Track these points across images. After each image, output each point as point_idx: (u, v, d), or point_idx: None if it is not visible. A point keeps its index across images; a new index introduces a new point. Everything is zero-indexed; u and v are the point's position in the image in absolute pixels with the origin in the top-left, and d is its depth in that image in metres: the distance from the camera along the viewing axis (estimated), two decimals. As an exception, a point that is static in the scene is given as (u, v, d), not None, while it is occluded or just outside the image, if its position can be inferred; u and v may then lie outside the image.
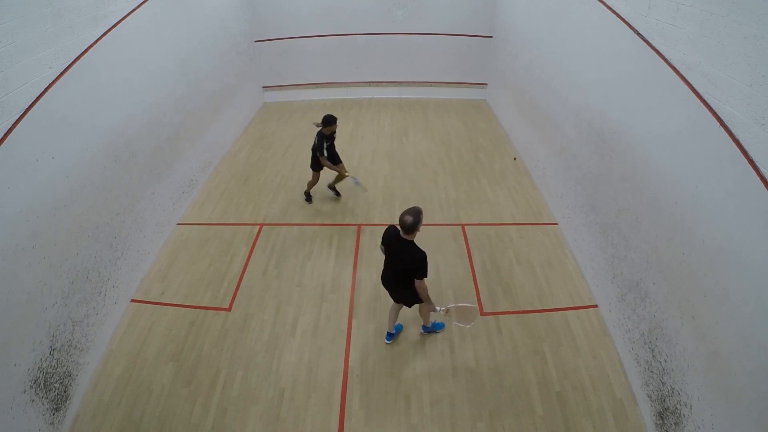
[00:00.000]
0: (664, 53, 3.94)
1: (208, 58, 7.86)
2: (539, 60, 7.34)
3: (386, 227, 4.31)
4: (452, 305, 4.43)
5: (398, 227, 4.08)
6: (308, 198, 7.16)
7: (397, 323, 4.89)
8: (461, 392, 4.34)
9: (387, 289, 4.56)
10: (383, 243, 4.33)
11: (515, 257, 5.94)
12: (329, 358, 4.67)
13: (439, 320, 4.96)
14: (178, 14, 6.74)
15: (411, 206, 4.08)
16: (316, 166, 6.75)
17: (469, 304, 4.49)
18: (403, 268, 4.14)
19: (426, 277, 4.08)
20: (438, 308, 4.31)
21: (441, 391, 4.36)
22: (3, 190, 3.50)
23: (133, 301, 5.36)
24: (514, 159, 5.11)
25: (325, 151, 6.43)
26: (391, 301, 4.66)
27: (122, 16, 5.25)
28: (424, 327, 4.91)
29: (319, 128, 6.43)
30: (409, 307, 4.62)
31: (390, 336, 4.83)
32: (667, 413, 3.74)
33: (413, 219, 3.94)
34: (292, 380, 4.47)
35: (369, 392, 4.36)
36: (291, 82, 11.07)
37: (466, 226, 6.55)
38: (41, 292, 3.90)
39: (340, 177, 6.89)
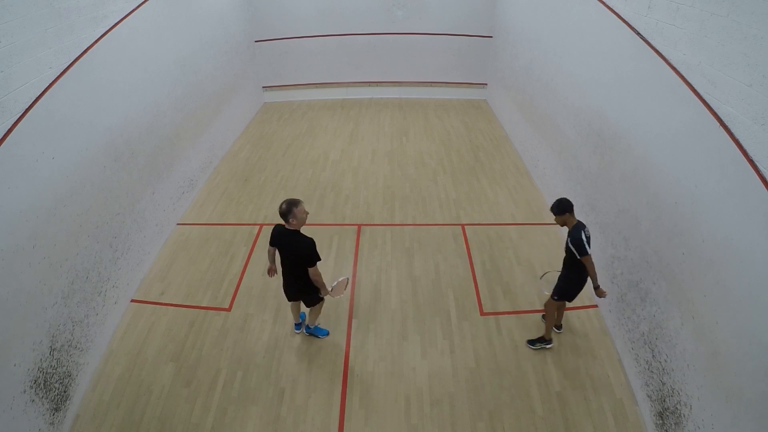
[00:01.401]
0: (664, 53, 3.94)
1: (208, 58, 7.86)
2: (539, 60, 7.34)
3: (272, 227, 4.36)
4: (334, 283, 4.53)
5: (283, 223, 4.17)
6: None
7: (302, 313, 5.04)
8: (461, 392, 4.34)
9: (286, 293, 4.57)
10: (272, 244, 4.35)
11: (515, 257, 5.94)
12: (329, 358, 4.67)
13: (324, 327, 4.97)
14: (178, 14, 6.74)
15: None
16: None
17: (342, 278, 4.61)
18: (296, 260, 4.17)
19: (319, 261, 4.16)
20: (330, 287, 4.42)
21: (441, 391, 4.36)
22: (3, 190, 3.50)
23: (133, 301, 5.35)
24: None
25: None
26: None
27: (122, 17, 5.25)
28: (308, 328, 4.93)
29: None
30: (307, 306, 4.67)
31: (298, 326, 4.96)
32: (667, 413, 3.74)
33: (286, 206, 4.04)
34: (292, 380, 4.47)
35: (369, 392, 4.36)
36: (291, 82, 11.07)
37: (466, 226, 6.55)
38: (41, 292, 3.90)
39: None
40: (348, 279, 4.79)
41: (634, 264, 4.41)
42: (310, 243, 4.08)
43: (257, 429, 4.06)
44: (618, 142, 4.72)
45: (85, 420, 4.14)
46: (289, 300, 4.66)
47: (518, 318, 5.09)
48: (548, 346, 4.70)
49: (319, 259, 4.16)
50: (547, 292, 4.57)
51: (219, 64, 8.37)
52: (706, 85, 3.39)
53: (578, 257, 4.09)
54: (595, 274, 4.16)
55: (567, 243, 4.19)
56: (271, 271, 4.62)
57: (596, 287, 4.23)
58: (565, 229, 4.28)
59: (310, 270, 4.15)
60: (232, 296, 5.43)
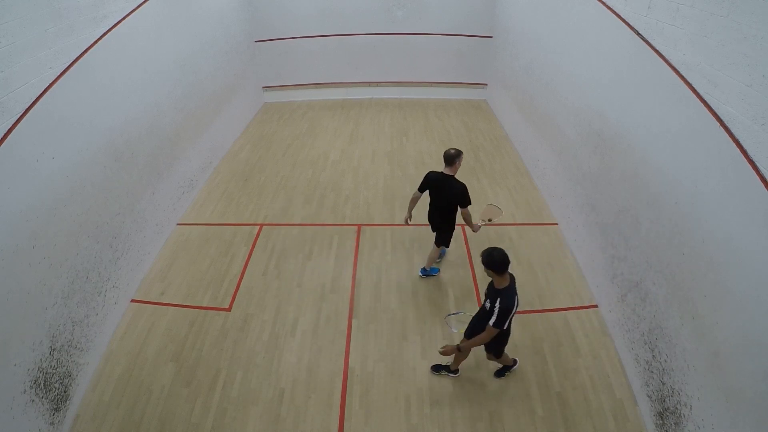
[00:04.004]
0: (664, 53, 3.94)
1: (208, 58, 7.86)
2: (539, 60, 7.34)
3: (426, 174, 5.04)
4: (479, 222, 4.99)
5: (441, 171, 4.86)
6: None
7: (434, 267, 5.67)
8: (461, 392, 4.34)
9: (433, 229, 5.35)
10: (422, 189, 5.03)
11: (515, 257, 5.94)
12: (329, 358, 4.67)
13: (435, 266, 5.67)
14: (178, 14, 6.74)
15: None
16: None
17: (495, 207, 5.13)
18: (447, 200, 4.88)
19: (470, 205, 4.81)
20: (480, 222, 5.00)
21: (441, 391, 4.36)
22: (3, 190, 3.50)
23: (133, 301, 5.36)
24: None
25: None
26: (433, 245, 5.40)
27: (122, 17, 5.25)
28: (423, 270, 5.58)
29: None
30: (436, 243, 5.39)
31: (424, 271, 5.61)
32: (667, 413, 3.74)
33: (455, 151, 4.82)
34: (292, 380, 4.47)
35: (369, 392, 4.36)
36: (291, 82, 11.07)
37: (466, 227, 6.54)
38: (41, 292, 3.90)
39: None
40: (494, 206, 5.19)
41: (634, 264, 4.41)
42: (464, 186, 4.79)
43: (257, 429, 4.06)
44: (618, 142, 4.72)
45: (85, 420, 4.14)
46: (433, 230, 5.39)
47: (518, 318, 5.07)
48: (514, 368, 4.49)
49: (470, 203, 4.81)
50: (456, 330, 4.20)
51: (219, 64, 8.37)
52: (706, 85, 3.39)
53: (491, 323, 3.59)
54: (484, 341, 3.76)
55: (492, 305, 3.64)
56: (408, 220, 5.25)
57: (460, 349, 3.92)
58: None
59: (463, 211, 4.81)
60: (232, 296, 5.43)
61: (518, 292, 3.74)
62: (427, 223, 5.44)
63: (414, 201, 5.17)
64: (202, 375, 4.52)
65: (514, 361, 4.50)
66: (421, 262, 5.88)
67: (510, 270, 3.65)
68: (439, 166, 5.12)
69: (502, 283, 3.63)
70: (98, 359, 4.66)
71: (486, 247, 3.65)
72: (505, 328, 3.66)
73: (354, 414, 4.18)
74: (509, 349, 4.31)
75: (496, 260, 3.52)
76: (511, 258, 3.63)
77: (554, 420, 4.09)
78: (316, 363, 4.63)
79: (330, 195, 7.36)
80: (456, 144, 8.94)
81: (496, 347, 4.05)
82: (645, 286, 4.21)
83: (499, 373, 4.48)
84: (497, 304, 3.57)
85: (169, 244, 6.28)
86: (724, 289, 3.15)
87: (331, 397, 4.32)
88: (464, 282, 5.58)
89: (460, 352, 3.94)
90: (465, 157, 5.45)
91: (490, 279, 3.73)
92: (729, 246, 3.11)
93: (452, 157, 4.88)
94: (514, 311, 3.63)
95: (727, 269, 3.12)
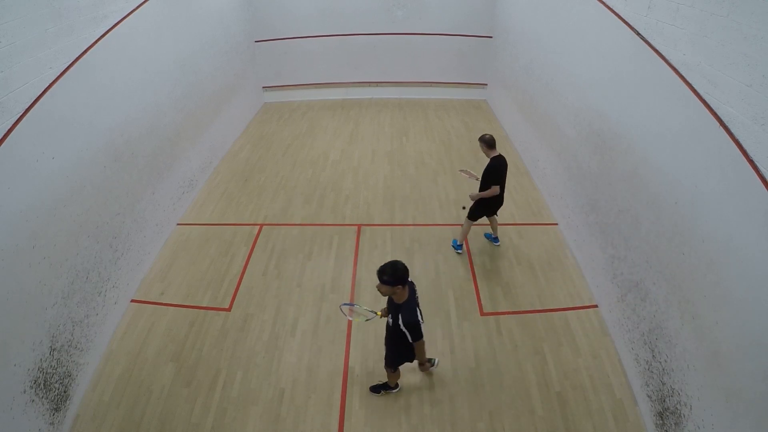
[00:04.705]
0: (664, 53, 3.94)
1: (208, 58, 7.86)
2: (539, 60, 7.34)
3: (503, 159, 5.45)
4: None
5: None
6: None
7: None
8: (461, 392, 4.34)
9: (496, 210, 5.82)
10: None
11: (515, 257, 5.94)
12: (329, 358, 4.67)
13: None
14: (178, 15, 6.74)
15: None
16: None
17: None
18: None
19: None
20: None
21: (441, 391, 4.36)
22: (3, 190, 3.50)
23: (133, 301, 5.36)
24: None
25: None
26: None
27: (122, 17, 5.25)
28: (455, 242, 6.02)
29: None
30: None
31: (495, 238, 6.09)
32: (667, 413, 3.74)
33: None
34: (292, 380, 4.47)
35: (369, 392, 4.36)
36: (291, 82, 11.07)
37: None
38: (41, 292, 3.90)
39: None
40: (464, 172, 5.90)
41: (634, 264, 4.41)
42: (493, 166, 5.40)
43: (257, 429, 4.06)
44: (618, 142, 4.72)
45: (85, 420, 4.15)
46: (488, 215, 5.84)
47: (518, 318, 5.08)
48: (394, 391, 4.37)
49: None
50: (351, 318, 4.14)
51: (219, 64, 8.37)
52: (706, 85, 3.39)
53: (410, 341, 3.57)
54: (423, 354, 3.83)
55: (396, 322, 3.54)
56: None
57: (421, 364, 4.05)
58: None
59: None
60: (232, 296, 5.43)
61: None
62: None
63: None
64: (202, 375, 4.52)
65: (397, 386, 4.33)
66: (421, 261, 5.89)
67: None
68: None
69: (401, 297, 3.50)
70: (98, 359, 4.66)
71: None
72: (422, 338, 3.59)
73: (354, 414, 4.18)
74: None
75: (400, 274, 3.35)
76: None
77: (554, 420, 4.09)
78: (316, 363, 4.63)
79: (330, 195, 7.36)
80: (456, 144, 8.96)
81: (399, 357, 3.95)
82: (645, 286, 4.20)
83: (375, 389, 4.33)
84: (400, 321, 3.48)
85: (169, 244, 6.29)
86: (724, 289, 3.14)
87: (331, 397, 4.32)
88: (464, 282, 5.58)
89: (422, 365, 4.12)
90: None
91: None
92: (729, 246, 3.11)
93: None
94: (421, 322, 3.55)
95: (727, 269, 3.12)
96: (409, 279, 3.53)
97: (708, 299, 3.30)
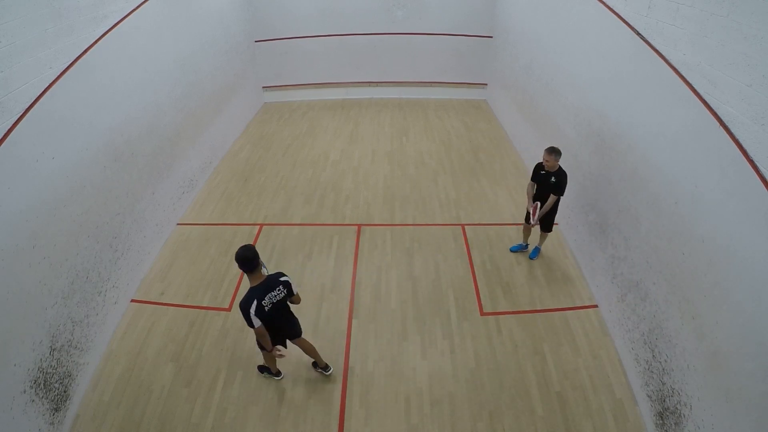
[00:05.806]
0: (664, 53, 3.94)
1: (208, 58, 7.86)
2: (539, 60, 7.34)
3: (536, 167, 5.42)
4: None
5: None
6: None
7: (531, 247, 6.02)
8: (461, 392, 4.34)
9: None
10: (533, 179, 5.48)
11: (515, 257, 5.94)
12: (329, 358, 4.67)
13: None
14: (178, 14, 6.74)
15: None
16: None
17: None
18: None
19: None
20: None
21: (441, 391, 4.36)
22: (3, 190, 3.50)
23: (133, 301, 5.36)
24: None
25: None
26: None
27: (122, 16, 5.25)
28: (537, 250, 5.98)
29: None
30: (542, 231, 5.82)
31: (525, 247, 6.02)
32: (667, 413, 3.74)
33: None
34: (292, 380, 4.47)
35: (369, 392, 4.36)
36: (291, 82, 11.07)
37: (466, 226, 6.55)
38: (41, 292, 3.90)
39: None
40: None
41: (634, 264, 4.41)
42: (565, 176, 5.31)
43: (257, 429, 4.06)
44: (618, 142, 4.72)
45: (85, 420, 4.14)
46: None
47: (518, 318, 5.09)
48: (277, 378, 4.47)
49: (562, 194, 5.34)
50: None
51: (219, 64, 8.37)
52: (706, 85, 3.39)
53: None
54: (264, 343, 3.83)
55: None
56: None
57: (262, 348, 4.02)
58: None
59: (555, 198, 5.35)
60: (232, 296, 5.42)
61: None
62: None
63: None
64: (202, 375, 4.52)
65: (278, 372, 4.43)
66: (421, 261, 5.89)
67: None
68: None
69: (252, 282, 3.66)
70: (98, 359, 4.66)
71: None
72: (255, 326, 3.61)
73: (354, 414, 4.18)
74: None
75: (238, 257, 3.52)
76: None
77: (554, 420, 4.09)
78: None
79: (330, 195, 7.36)
80: (456, 144, 8.96)
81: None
82: (645, 286, 4.21)
83: (261, 369, 4.49)
84: (248, 308, 3.59)
85: (169, 244, 6.28)
86: (724, 289, 3.15)
87: (331, 397, 4.32)
88: (464, 282, 5.58)
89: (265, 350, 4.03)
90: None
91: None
92: (729, 246, 3.11)
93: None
94: (249, 311, 3.56)
95: (727, 269, 3.12)
96: (283, 275, 3.74)
97: (708, 299, 3.30)
